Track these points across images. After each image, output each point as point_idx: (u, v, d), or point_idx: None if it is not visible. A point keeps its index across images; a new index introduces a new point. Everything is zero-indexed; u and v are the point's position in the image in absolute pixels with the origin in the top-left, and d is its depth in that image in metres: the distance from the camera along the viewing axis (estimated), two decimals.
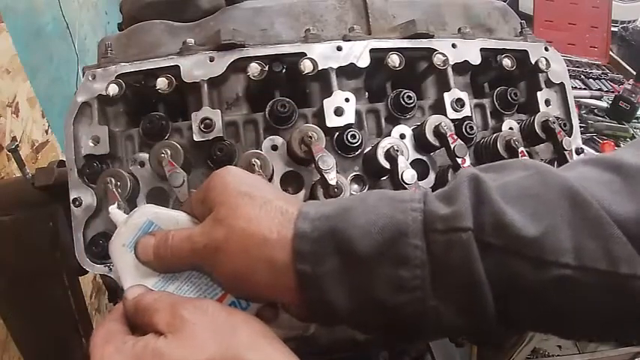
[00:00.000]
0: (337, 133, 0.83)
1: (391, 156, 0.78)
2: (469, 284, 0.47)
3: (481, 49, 0.92)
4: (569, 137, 0.91)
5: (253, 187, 0.56)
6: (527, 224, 0.46)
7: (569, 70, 1.55)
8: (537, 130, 0.87)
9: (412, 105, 0.87)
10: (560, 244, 0.45)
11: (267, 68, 0.82)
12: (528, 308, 0.48)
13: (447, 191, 0.51)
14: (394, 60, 0.86)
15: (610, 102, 2.47)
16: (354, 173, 0.84)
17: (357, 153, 0.84)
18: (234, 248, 0.53)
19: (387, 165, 0.79)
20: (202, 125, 0.80)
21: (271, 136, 0.83)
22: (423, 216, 0.49)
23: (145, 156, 0.81)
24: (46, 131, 1.93)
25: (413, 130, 0.86)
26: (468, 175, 0.50)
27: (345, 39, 0.87)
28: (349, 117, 0.83)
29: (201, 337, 0.49)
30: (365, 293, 0.49)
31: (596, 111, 2.49)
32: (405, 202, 0.50)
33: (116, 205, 0.68)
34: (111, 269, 0.78)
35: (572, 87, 1.03)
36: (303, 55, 0.84)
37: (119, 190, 0.76)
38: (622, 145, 2.31)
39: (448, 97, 0.88)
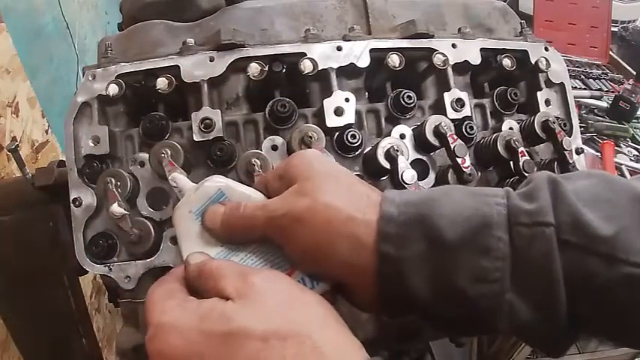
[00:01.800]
0: (337, 133, 0.83)
1: (391, 156, 0.78)
2: (547, 279, 0.48)
3: (481, 49, 0.92)
4: (569, 137, 0.91)
5: (337, 170, 0.59)
6: (602, 224, 0.48)
7: (569, 70, 1.55)
8: (537, 130, 0.87)
9: (412, 105, 0.87)
10: (632, 244, 0.47)
11: (267, 68, 0.82)
12: (597, 307, 0.49)
13: (526, 191, 0.53)
14: (394, 60, 0.86)
15: (610, 102, 2.47)
16: (354, 173, 0.84)
17: (357, 153, 0.84)
18: (317, 220, 0.53)
19: (387, 165, 0.79)
20: (202, 125, 0.80)
21: (271, 136, 0.83)
22: (507, 210, 0.50)
23: (145, 156, 0.81)
24: (46, 131, 1.93)
25: (413, 130, 0.86)
26: (546, 177, 0.52)
27: (345, 39, 0.87)
28: (349, 117, 0.83)
29: (270, 307, 0.48)
30: (445, 281, 0.50)
31: (596, 111, 2.49)
32: (489, 196, 0.52)
33: (178, 172, 0.68)
34: (111, 269, 0.78)
35: (572, 87, 1.03)
36: (303, 55, 0.84)
37: (119, 190, 0.76)
38: (622, 145, 2.32)
39: (448, 97, 0.88)
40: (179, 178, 0.66)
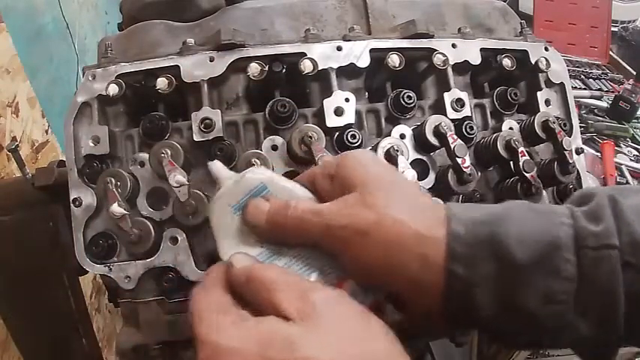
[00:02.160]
0: (337, 133, 0.83)
1: (391, 156, 0.78)
2: (610, 300, 0.49)
3: (481, 49, 0.92)
4: (569, 137, 0.91)
5: (396, 176, 0.57)
6: None
7: (569, 70, 1.55)
8: (537, 130, 0.87)
9: (412, 105, 0.87)
10: None
11: (267, 68, 0.82)
12: None
13: (590, 210, 0.53)
14: (394, 60, 0.86)
15: (610, 102, 2.47)
16: None
17: None
18: (384, 236, 0.52)
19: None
20: (202, 125, 0.80)
21: (271, 136, 0.83)
22: (574, 231, 0.51)
23: (145, 156, 0.81)
24: (46, 131, 1.93)
25: (413, 130, 0.86)
26: (606, 196, 0.53)
27: (345, 39, 0.87)
28: (349, 117, 0.83)
29: (338, 334, 0.46)
30: (513, 301, 0.51)
31: (596, 111, 2.49)
32: (556, 215, 0.53)
33: (212, 162, 0.62)
34: (111, 269, 0.78)
35: (572, 87, 1.03)
36: (303, 55, 0.84)
37: (119, 190, 0.76)
38: (622, 145, 2.32)
39: (448, 97, 0.88)
40: (217, 165, 0.60)
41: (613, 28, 2.93)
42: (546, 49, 0.98)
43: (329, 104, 0.83)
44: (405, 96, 0.86)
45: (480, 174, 0.89)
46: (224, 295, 0.52)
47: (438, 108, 0.89)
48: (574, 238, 0.50)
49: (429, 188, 0.85)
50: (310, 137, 0.77)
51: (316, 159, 0.72)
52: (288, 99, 0.83)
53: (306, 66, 0.83)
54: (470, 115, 0.88)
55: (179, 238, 0.79)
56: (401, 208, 0.53)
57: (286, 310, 0.47)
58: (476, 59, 0.92)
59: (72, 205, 0.80)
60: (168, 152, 0.76)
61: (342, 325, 0.47)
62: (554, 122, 0.87)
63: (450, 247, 0.51)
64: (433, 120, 0.83)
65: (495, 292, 0.51)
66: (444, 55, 0.89)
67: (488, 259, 0.51)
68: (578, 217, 0.52)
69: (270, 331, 0.46)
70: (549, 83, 0.98)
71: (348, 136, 0.82)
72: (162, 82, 0.82)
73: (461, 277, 0.51)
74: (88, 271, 0.81)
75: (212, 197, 0.59)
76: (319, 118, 0.84)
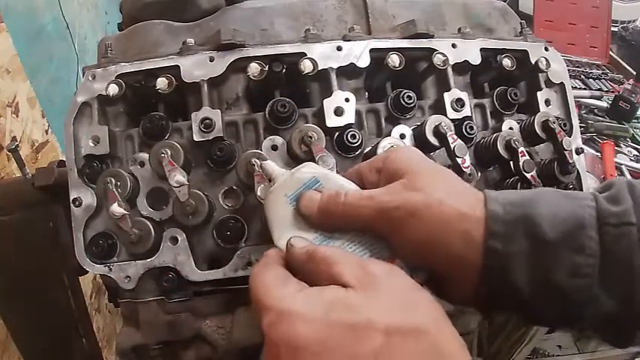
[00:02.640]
0: (337, 133, 0.83)
1: None
2: (629, 273, 0.54)
3: (481, 49, 0.92)
4: (569, 137, 0.91)
5: (441, 166, 0.64)
6: None
7: (569, 70, 1.55)
8: (537, 130, 0.87)
9: (412, 105, 0.87)
10: None
11: (267, 68, 0.82)
12: None
13: (610, 194, 0.58)
14: (394, 60, 0.86)
15: (610, 102, 2.47)
16: None
17: (357, 153, 0.85)
18: (433, 215, 0.56)
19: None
20: (202, 125, 0.80)
21: (271, 136, 0.83)
22: (597, 212, 0.56)
23: (144, 156, 0.81)
24: (46, 131, 1.93)
25: (413, 130, 0.86)
26: (625, 182, 0.59)
27: (345, 39, 0.87)
28: (349, 117, 0.83)
29: (392, 301, 0.50)
30: (544, 275, 0.56)
31: (596, 111, 2.49)
32: (581, 199, 0.58)
33: (265, 161, 0.70)
34: (111, 269, 0.79)
35: (572, 87, 1.03)
36: (303, 55, 0.84)
37: (119, 190, 0.76)
38: (622, 145, 2.32)
39: (448, 97, 0.88)
40: (268, 164, 0.68)
41: (613, 28, 2.93)
42: (546, 49, 0.98)
43: (329, 104, 0.83)
44: (405, 96, 0.86)
45: (480, 174, 0.89)
46: (284, 270, 0.56)
47: (438, 108, 0.89)
48: (597, 217, 0.56)
49: None
50: (310, 137, 0.77)
51: (316, 159, 0.73)
52: (288, 99, 0.83)
53: (306, 66, 0.83)
54: (470, 115, 0.88)
55: (179, 238, 0.79)
56: (445, 190, 0.58)
57: (348, 279, 0.51)
58: (476, 59, 0.92)
59: (72, 205, 0.80)
60: (168, 152, 0.76)
61: (397, 294, 0.51)
62: (554, 122, 0.87)
63: (488, 225, 0.56)
64: (433, 120, 0.83)
65: (528, 267, 0.56)
66: (444, 55, 0.89)
67: (523, 236, 0.56)
68: (600, 200, 0.57)
69: (333, 296, 0.50)
70: (549, 83, 0.98)
71: (348, 136, 0.82)
72: (162, 82, 0.82)
73: (499, 252, 0.56)
74: (88, 271, 0.81)
75: (268, 191, 0.65)
76: (319, 118, 0.84)
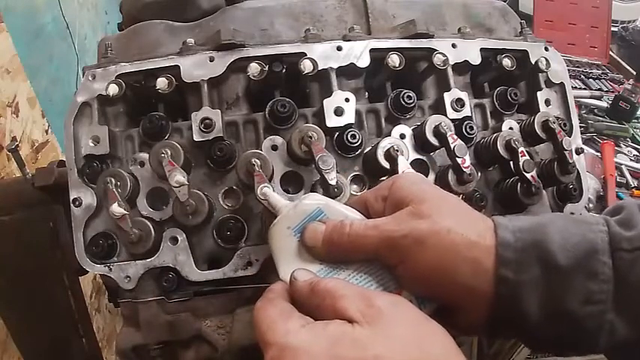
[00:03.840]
0: (337, 133, 0.83)
1: (391, 156, 0.78)
2: None
3: (481, 49, 0.92)
4: (569, 137, 0.91)
5: (447, 193, 0.61)
6: None
7: (569, 70, 1.55)
8: (537, 130, 0.87)
9: (412, 105, 0.87)
10: None
11: (267, 68, 0.82)
12: None
13: (621, 219, 0.58)
14: (394, 60, 0.86)
15: (610, 102, 2.47)
16: (354, 173, 0.84)
17: (357, 153, 0.84)
18: (441, 244, 0.55)
19: (387, 165, 0.79)
20: (202, 125, 0.80)
21: (271, 136, 0.83)
22: (609, 237, 0.56)
23: (145, 156, 0.81)
24: (46, 131, 1.93)
25: (413, 130, 0.86)
26: (636, 204, 0.59)
27: (345, 39, 0.87)
28: (349, 117, 0.83)
29: (402, 336, 0.48)
30: (556, 303, 0.55)
31: (596, 111, 2.49)
32: (592, 224, 0.58)
33: (267, 186, 0.68)
34: (111, 269, 0.78)
35: (572, 87, 1.03)
36: (303, 55, 0.84)
37: (119, 190, 0.76)
38: (622, 145, 2.32)
39: (448, 97, 0.88)
40: (270, 194, 0.66)
41: (613, 28, 2.93)
42: (546, 49, 0.98)
43: (329, 104, 0.83)
44: (405, 96, 0.86)
45: (480, 174, 0.89)
46: (288, 304, 0.55)
47: (438, 108, 0.89)
48: (609, 242, 0.55)
49: None
50: (310, 137, 0.77)
51: (316, 159, 0.73)
52: (288, 99, 0.83)
53: (306, 66, 0.83)
54: (470, 115, 0.88)
55: (179, 238, 0.79)
56: (453, 218, 0.57)
57: (352, 314, 0.49)
58: (476, 59, 0.92)
59: (72, 205, 0.80)
60: (168, 152, 0.76)
61: (405, 327, 0.49)
62: (554, 122, 0.87)
63: (499, 253, 0.55)
64: (433, 120, 0.83)
65: (540, 295, 0.55)
66: (444, 55, 0.88)
67: (534, 263, 0.55)
68: (612, 224, 0.57)
69: (339, 331, 0.48)
70: (549, 83, 0.98)
71: (348, 136, 0.82)
72: (162, 82, 0.82)
73: (510, 281, 0.55)
74: (88, 271, 0.81)
75: (272, 224, 0.63)
76: (319, 118, 0.84)
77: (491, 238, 0.56)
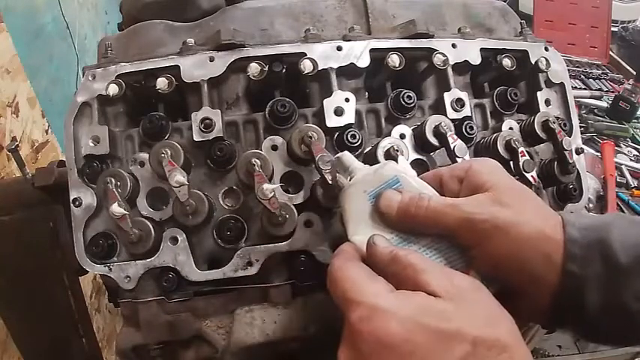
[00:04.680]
0: (337, 133, 0.83)
1: (391, 156, 0.78)
2: None
3: (481, 49, 0.92)
4: (569, 137, 0.91)
5: (523, 185, 0.64)
6: None
7: (569, 70, 1.55)
8: (537, 130, 0.87)
9: (412, 105, 0.87)
10: None
11: (267, 68, 0.82)
12: None
13: None
14: (394, 60, 0.86)
15: (610, 102, 2.47)
16: None
17: (357, 153, 0.84)
18: (519, 234, 0.58)
19: None
20: (202, 125, 0.80)
21: (271, 136, 0.83)
22: None
23: (145, 156, 0.81)
24: (46, 131, 1.93)
25: (413, 130, 0.86)
26: None
27: (345, 39, 0.87)
28: (349, 117, 0.83)
29: (480, 314, 0.52)
30: (614, 298, 0.58)
31: (596, 111, 2.49)
32: None
33: (344, 152, 0.68)
34: (111, 269, 0.78)
35: (572, 87, 1.03)
36: (303, 55, 0.84)
37: (119, 190, 0.76)
38: (622, 145, 2.32)
39: (448, 97, 0.88)
40: (347, 155, 0.67)
41: (613, 28, 2.93)
42: (546, 49, 0.98)
43: (329, 104, 0.83)
44: (405, 96, 0.86)
45: None
46: (367, 268, 0.57)
47: (438, 108, 0.89)
48: None
49: None
50: (310, 137, 0.77)
51: (316, 159, 0.73)
52: (288, 99, 0.83)
53: (306, 66, 0.83)
54: (470, 115, 0.88)
55: (179, 238, 0.79)
56: (531, 210, 0.61)
57: (435, 289, 0.52)
58: (476, 59, 0.92)
59: (72, 205, 0.80)
60: (168, 152, 0.76)
61: (482, 308, 0.53)
62: (554, 122, 0.87)
63: (567, 248, 0.59)
64: (433, 120, 0.83)
65: (600, 289, 0.58)
66: (444, 55, 0.88)
67: (598, 260, 0.58)
68: None
69: (426, 302, 0.51)
70: (549, 83, 0.98)
71: (348, 136, 0.82)
72: (162, 82, 0.82)
73: (576, 275, 0.58)
74: (88, 271, 0.81)
75: (346, 184, 0.65)
76: (319, 118, 0.84)
77: (560, 233, 0.59)
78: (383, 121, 0.89)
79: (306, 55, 0.84)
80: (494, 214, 0.59)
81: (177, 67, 0.83)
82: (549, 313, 0.62)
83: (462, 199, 0.61)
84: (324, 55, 0.85)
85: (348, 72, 0.88)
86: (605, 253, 0.59)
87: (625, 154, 2.28)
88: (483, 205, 0.59)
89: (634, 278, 0.58)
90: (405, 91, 0.86)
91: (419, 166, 0.85)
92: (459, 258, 0.60)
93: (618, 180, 2.10)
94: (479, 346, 0.48)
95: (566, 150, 0.85)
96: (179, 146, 0.78)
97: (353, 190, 0.63)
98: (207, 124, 0.80)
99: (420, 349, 0.49)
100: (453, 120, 0.86)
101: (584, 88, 2.60)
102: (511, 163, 0.84)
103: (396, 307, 0.51)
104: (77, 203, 0.80)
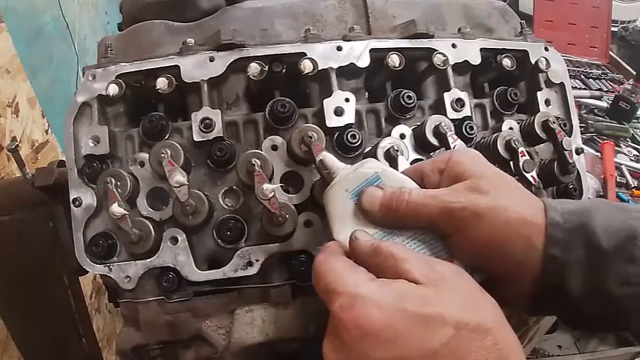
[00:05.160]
0: (337, 133, 0.83)
1: (391, 156, 0.78)
2: None
3: (481, 49, 0.92)
4: (569, 137, 0.91)
5: (503, 172, 0.65)
6: None
7: (569, 70, 1.55)
8: (537, 130, 0.87)
9: (412, 105, 0.87)
10: None
11: (267, 68, 0.82)
12: None
13: None
14: (394, 60, 0.86)
15: (610, 102, 2.47)
16: None
17: (357, 153, 0.84)
18: (498, 220, 0.58)
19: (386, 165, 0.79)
20: (202, 125, 0.80)
21: (271, 136, 0.83)
22: None
23: (145, 156, 0.81)
24: (46, 131, 1.93)
25: (413, 130, 0.86)
26: None
27: (345, 39, 0.87)
28: (349, 117, 0.83)
29: (461, 300, 0.52)
30: (596, 283, 0.59)
31: (596, 111, 2.49)
32: (632, 211, 0.62)
33: (324, 154, 0.69)
34: (111, 269, 0.78)
35: (572, 87, 1.03)
36: (303, 55, 0.84)
37: (119, 190, 0.76)
38: (622, 145, 2.32)
39: (448, 97, 0.88)
40: (329, 157, 0.68)
41: (613, 28, 2.93)
42: (546, 49, 0.98)
43: (329, 104, 0.83)
44: (405, 96, 0.86)
45: None
46: (344, 257, 0.59)
47: (438, 108, 0.89)
48: None
49: None
50: (310, 137, 0.77)
51: (316, 159, 0.73)
52: (288, 99, 0.83)
53: (306, 66, 0.83)
54: (470, 115, 0.88)
55: (179, 238, 0.79)
56: (509, 196, 0.60)
57: (416, 276, 0.53)
58: (476, 59, 0.92)
59: (72, 205, 0.80)
60: (168, 152, 0.76)
61: (463, 293, 0.53)
62: (554, 122, 0.87)
63: (549, 232, 0.59)
64: (433, 120, 0.83)
65: (583, 274, 0.59)
66: (444, 55, 0.88)
67: (580, 245, 0.59)
68: None
69: (406, 288, 0.52)
70: (549, 83, 0.98)
71: (348, 136, 0.82)
72: (162, 82, 0.82)
73: (557, 259, 0.59)
74: (88, 271, 0.81)
75: (328, 186, 0.66)
76: (319, 118, 0.84)
77: (542, 218, 0.60)
78: (383, 121, 0.89)
79: (306, 55, 0.84)
80: (472, 201, 0.59)
81: (177, 67, 0.83)
82: (532, 299, 0.62)
83: (440, 189, 0.62)
84: (324, 55, 0.85)
85: (348, 72, 0.88)
86: (587, 238, 0.59)
87: (625, 154, 2.28)
88: (461, 193, 0.60)
89: (617, 263, 0.58)
90: (405, 91, 0.86)
91: None
92: (443, 249, 0.61)
93: (618, 180, 2.10)
94: (462, 330, 0.49)
95: (566, 150, 0.85)
96: (179, 146, 0.78)
97: (335, 191, 0.64)
98: (207, 124, 0.80)
99: (401, 334, 0.49)
100: (453, 120, 0.86)
101: (584, 88, 2.60)
102: (511, 163, 0.84)
103: (377, 295, 0.51)
104: (77, 203, 0.80)
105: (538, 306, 0.64)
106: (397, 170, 0.70)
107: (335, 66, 0.85)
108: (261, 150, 0.81)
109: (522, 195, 0.63)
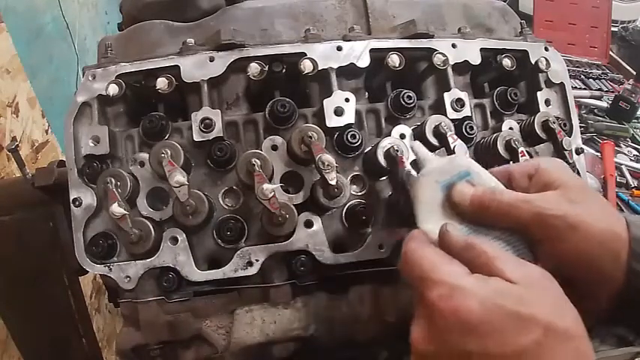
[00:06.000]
0: (337, 133, 0.83)
1: (391, 156, 0.78)
2: None
3: (481, 49, 0.92)
4: (569, 137, 0.91)
5: (584, 181, 0.66)
6: None
7: (569, 70, 1.55)
8: (537, 130, 0.87)
9: (412, 105, 0.87)
10: None
11: (267, 68, 0.82)
12: None
13: None
14: (394, 60, 0.86)
15: (610, 102, 2.47)
16: (354, 173, 0.84)
17: (357, 153, 0.84)
18: (591, 232, 0.59)
19: (386, 165, 0.79)
20: (202, 125, 0.80)
21: (271, 136, 0.83)
22: None
23: (145, 156, 0.81)
24: (46, 131, 1.93)
25: (413, 130, 0.86)
26: None
27: (345, 39, 0.87)
28: (349, 117, 0.83)
29: (552, 303, 0.54)
30: None
31: (596, 111, 2.49)
32: None
33: (414, 142, 0.71)
34: (111, 269, 0.78)
35: (572, 87, 1.03)
36: (303, 55, 0.84)
37: (119, 190, 0.76)
38: (622, 145, 2.32)
39: (448, 97, 0.88)
40: (418, 145, 0.69)
41: (613, 28, 2.93)
42: (546, 49, 0.98)
43: (329, 104, 0.83)
44: (405, 96, 0.86)
45: None
46: (441, 251, 0.59)
47: (438, 108, 0.89)
48: None
49: None
50: (310, 137, 0.77)
51: (316, 159, 0.73)
52: (288, 99, 0.83)
53: (306, 66, 0.83)
54: (470, 115, 0.88)
55: (179, 238, 0.79)
56: (599, 209, 0.62)
57: (510, 275, 0.54)
58: (476, 59, 0.92)
59: (72, 205, 0.80)
60: (168, 152, 0.76)
61: (552, 297, 0.55)
62: (554, 122, 0.87)
63: (633, 248, 0.60)
64: (433, 120, 0.83)
65: None
66: (444, 55, 0.88)
67: None
68: None
69: (502, 286, 0.53)
70: (549, 83, 0.98)
71: (348, 136, 0.82)
72: (162, 82, 0.82)
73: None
74: (88, 271, 0.81)
75: (416, 174, 0.67)
76: (319, 118, 0.84)
77: (626, 232, 0.61)
78: (383, 121, 0.89)
79: (306, 55, 0.84)
80: (565, 211, 0.60)
81: (177, 67, 0.83)
82: (610, 312, 0.63)
83: (534, 194, 0.62)
84: (324, 55, 0.85)
85: (348, 72, 0.88)
86: None
87: (625, 154, 2.28)
88: (555, 201, 0.61)
89: None
90: (405, 91, 0.86)
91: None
92: (528, 252, 0.61)
93: (618, 180, 2.10)
94: (550, 333, 0.50)
95: (566, 150, 0.85)
96: (179, 146, 0.78)
97: (425, 180, 0.65)
98: (207, 124, 0.80)
99: (497, 329, 0.51)
100: (453, 120, 0.86)
101: (584, 88, 2.60)
102: (511, 163, 0.84)
103: (477, 288, 0.53)
104: (77, 203, 0.80)
105: (615, 319, 0.65)
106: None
107: (335, 66, 0.85)
108: (261, 150, 0.81)
109: (608, 209, 0.64)
